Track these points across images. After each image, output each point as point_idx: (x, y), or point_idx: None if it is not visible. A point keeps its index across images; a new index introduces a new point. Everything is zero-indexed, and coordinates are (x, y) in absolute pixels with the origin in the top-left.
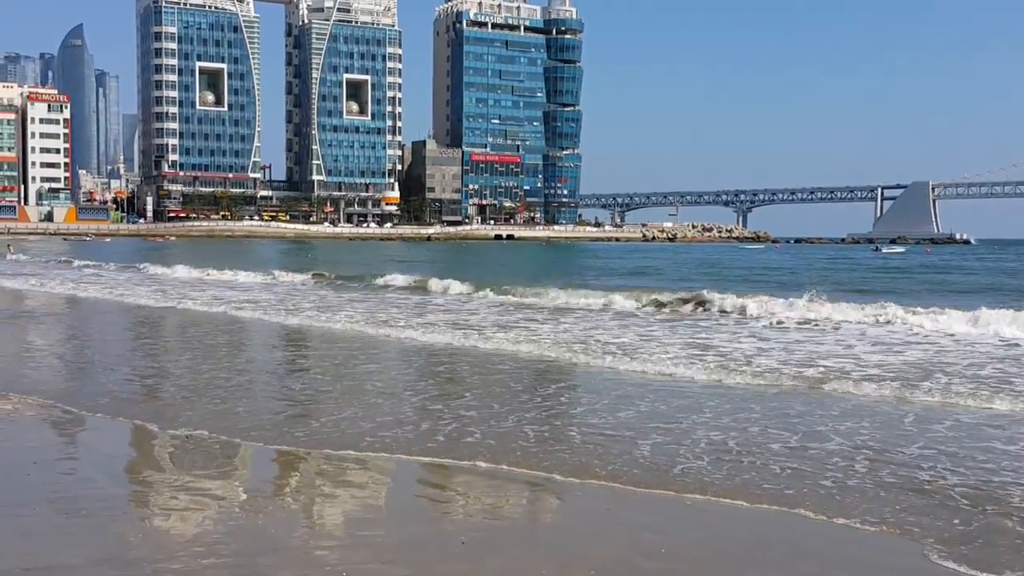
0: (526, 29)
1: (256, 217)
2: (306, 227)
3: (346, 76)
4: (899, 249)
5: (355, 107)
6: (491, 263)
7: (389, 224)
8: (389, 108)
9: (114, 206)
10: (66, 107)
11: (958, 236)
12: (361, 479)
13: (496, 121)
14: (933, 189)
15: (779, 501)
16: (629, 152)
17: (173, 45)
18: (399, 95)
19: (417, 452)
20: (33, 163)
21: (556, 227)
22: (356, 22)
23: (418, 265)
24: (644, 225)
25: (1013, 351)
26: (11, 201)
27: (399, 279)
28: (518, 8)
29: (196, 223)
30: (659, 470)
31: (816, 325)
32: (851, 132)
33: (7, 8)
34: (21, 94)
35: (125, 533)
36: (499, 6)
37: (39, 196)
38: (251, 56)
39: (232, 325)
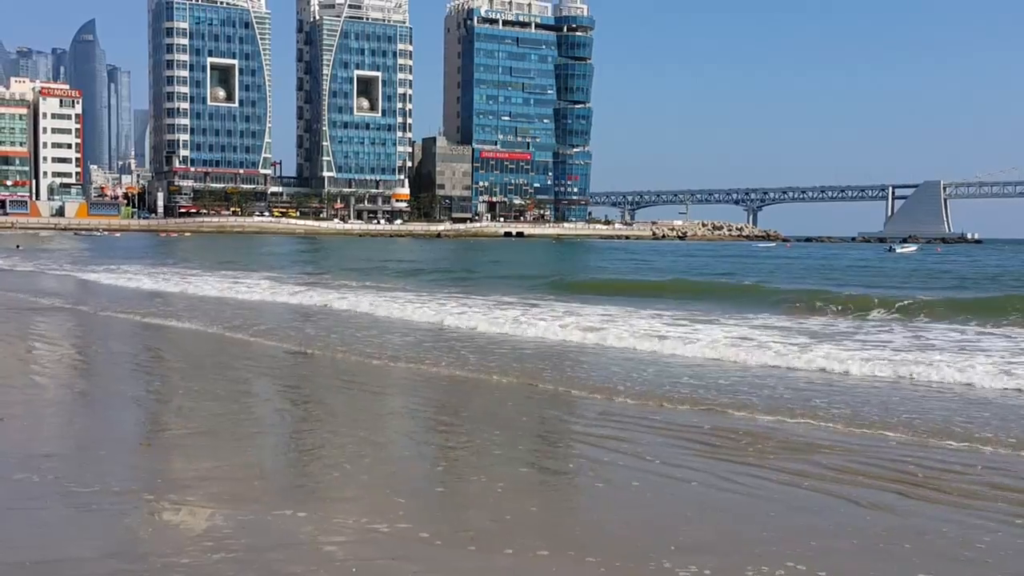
0: (537, 26)
1: (266, 213)
2: (316, 223)
3: (357, 73)
4: (911, 248)
5: (366, 104)
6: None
7: (399, 221)
8: (400, 105)
9: (125, 201)
10: (78, 102)
11: (969, 236)
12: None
13: (506, 118)
14: (944, 188)
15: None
16: (640, 150)
17: (184, 41)
18: (410, 92)
19: None
20: (45, 158)
21: (566, 224)
22: (367, 18)
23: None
24: (654, 223)
25: None
26: (23, 196)
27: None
28: (529, 5)
29: (207, 219)
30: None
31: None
32: (862, 131)
33: (20, 4)
34: (33, 89)
35: (135, 527)
36: (510, 3)
37: (50, 191)
38: (262, 52)
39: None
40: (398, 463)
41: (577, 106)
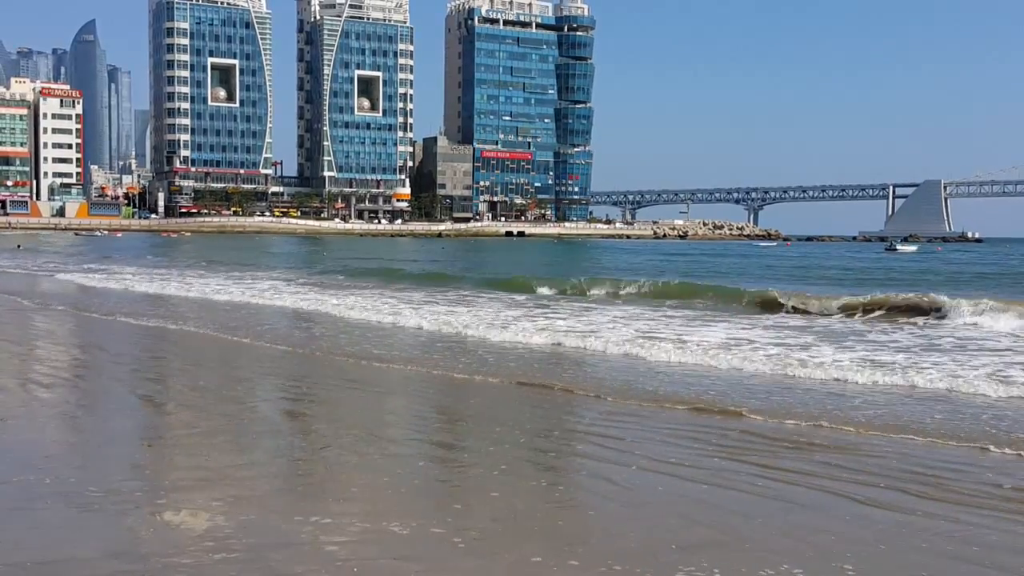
0: (538, 26)
1: (267, 213)
2: (317, 223)
3: (358, 72)
4: (912, 248)
5: (366, 103)
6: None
7: (400, 220)
8: (400, 105)
9: (126, 201)
10: (78, 103)
11: (970, 234)
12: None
13: (507, 118)
14: (945, 187)
15: None
16: (640, 149)
17: (185, 41)
18: (410, 92)
19: None
20: (45, 158)
21: (567, 224)
22: (368, 18)
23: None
24: (655, 223)
25: None
26: (23, 196)
27: None
28: (530, 5)
29: (207, 219)
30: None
31: None
32: (863, 130)
33: (20, 4)
34: (34, 89)
35: (137, 527)
36: (511, 2)
37: (51, 191)
38: (263, 52)
39: None
40: (400, 463)
41: (578, 106)
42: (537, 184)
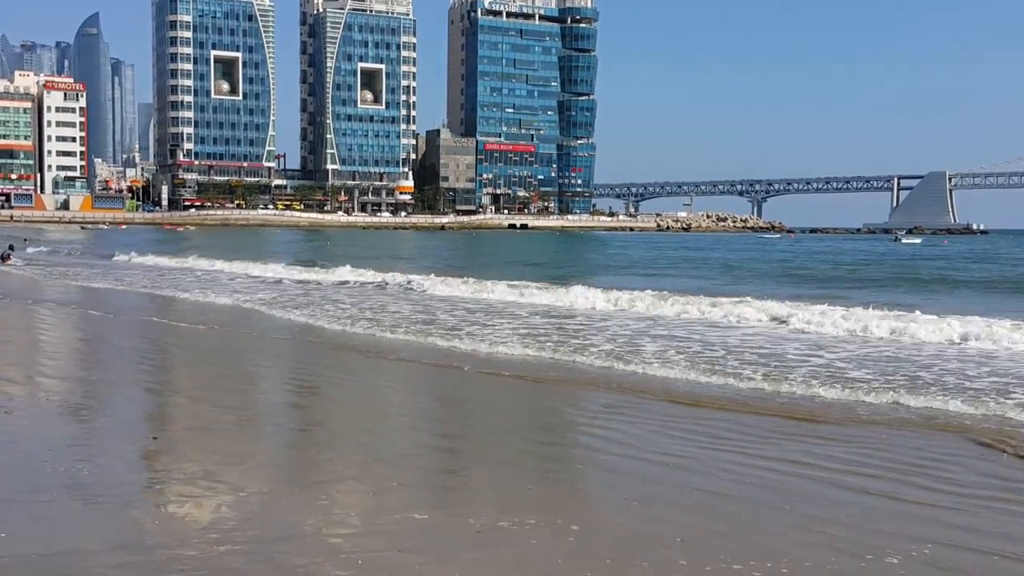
0: (541, 18)
1: (270, 206)
2: (320, 216)
3: (360, 65)
4: (916, 240)
5: (369, 96)
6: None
7: (403, 213)
8: (403, 97)
9: (129, 195)
10: (82, 96)
11: (975, 226)
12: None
13: (510, 110)
14: (950, 179)
15: None
16: (644, 142)
17: (188, 34)
18: (413, 84)
19: None
20: (49, 152)
21: (570, 216)
22: (371, 11)
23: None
24: (658, 215)
25: None
26: (27, 189)
27: None
28: None
29: (211, 212)
30: None
31: None
32: (867, 122)
33: None
34: (37, 83)
35: (141, 519)
36: None
37: (55, 184)
38: (266, 45)
39: None
40: (404, 455)
41: (581, 98)
42: (540, 176)
